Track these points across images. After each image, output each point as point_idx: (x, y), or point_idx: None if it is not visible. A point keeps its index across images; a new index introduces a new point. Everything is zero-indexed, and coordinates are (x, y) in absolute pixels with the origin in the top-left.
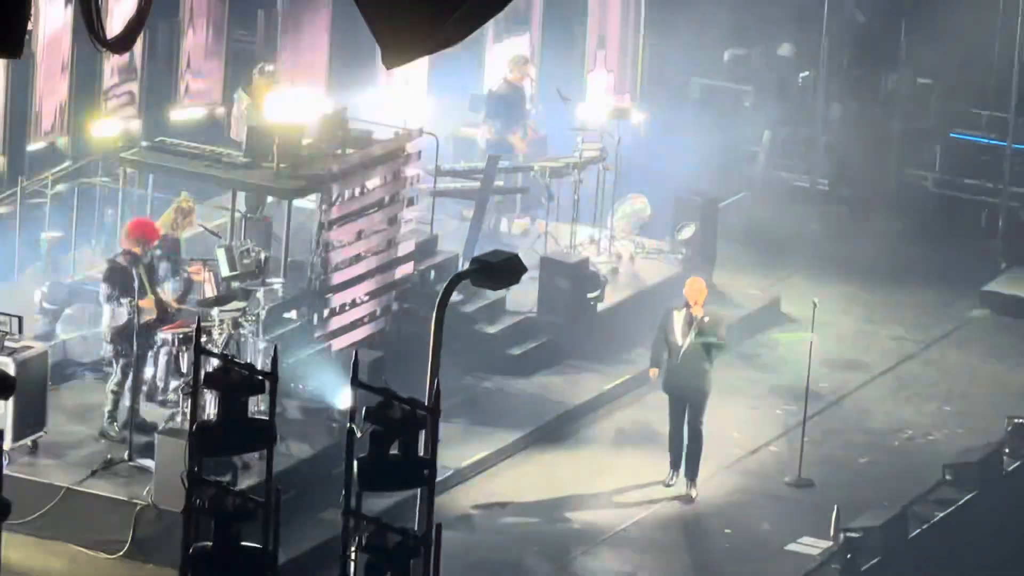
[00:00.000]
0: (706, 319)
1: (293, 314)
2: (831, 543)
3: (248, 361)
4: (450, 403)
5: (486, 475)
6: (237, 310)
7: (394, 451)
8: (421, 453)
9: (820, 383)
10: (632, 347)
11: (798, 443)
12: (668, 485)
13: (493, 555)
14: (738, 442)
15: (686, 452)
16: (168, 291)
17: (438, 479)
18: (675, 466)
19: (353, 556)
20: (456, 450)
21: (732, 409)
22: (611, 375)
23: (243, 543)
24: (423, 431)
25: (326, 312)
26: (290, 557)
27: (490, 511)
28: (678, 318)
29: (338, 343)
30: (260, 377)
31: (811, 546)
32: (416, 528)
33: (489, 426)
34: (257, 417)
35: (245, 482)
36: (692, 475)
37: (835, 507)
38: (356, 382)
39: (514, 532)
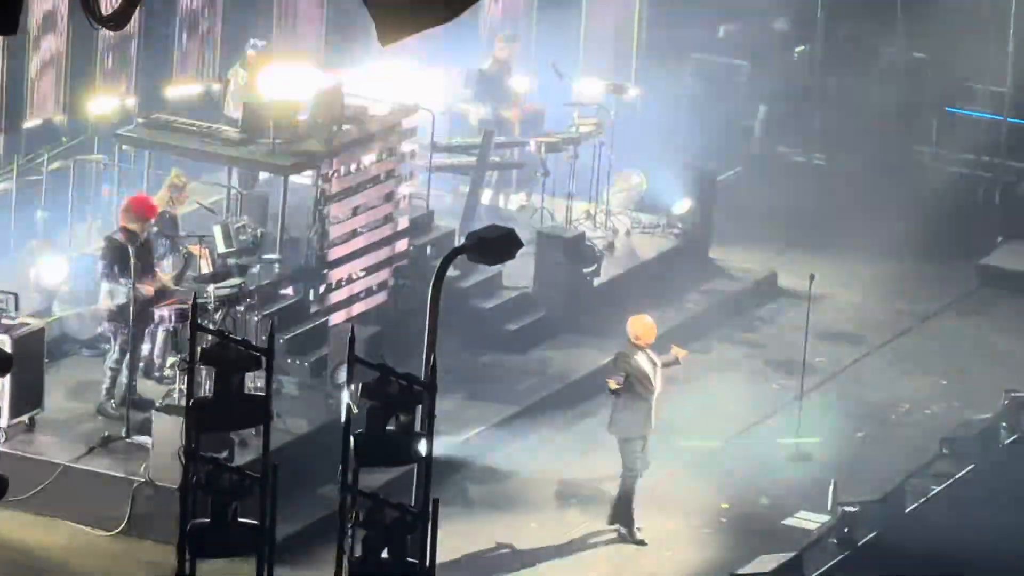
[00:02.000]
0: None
1: (289, 290)
2: (829, 517)
3: (244, 337)
4: (447, 378)
5: (483, 450)
6: (233, 286)
7: (391, 427)
8: (418, 428)
9: (817, 357)
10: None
11: (795, 417)
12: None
13: (491, 530)
14: (735, 416)
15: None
16: (166, 268)
17: (435, 454)
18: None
19: (350, 532)
20: (453, 425)
21: (729, 384)
22: (608, 349)
23: (240, 519)
24: (420, 406)
25: (322, 288)
26: (287, 533)
27: (487, 486)
28: (643, 360)
29: (335, 318)
30: (256, 353)
31: (809, 520)
32: (413, 504)
33: (486, 401)
34: (254, 393)
35: (242, 458)
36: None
37: (832, 481)
38: (353, 357)
39: (512, 507)
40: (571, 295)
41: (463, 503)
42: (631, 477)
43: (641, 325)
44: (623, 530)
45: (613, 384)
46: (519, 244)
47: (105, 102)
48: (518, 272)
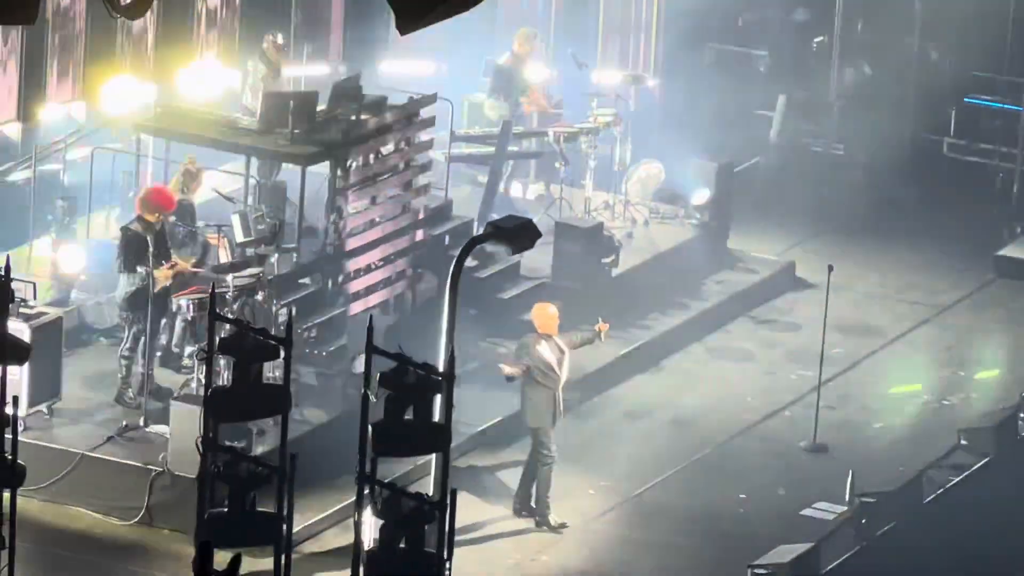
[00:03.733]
0: (606, 328)
1: (309, 280)
2: (846, 508)
3: (262, 327)
4: (465, 368)
5: (501, 440)
6: (252, 276)
7: (409, 416)
8: (436, 418)
9: (835, 348)
10: (647, 312)
11: (813, 408)
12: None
13: (507, 520)
14: (752, 407)
15: (541, 480)
16: (185, 256)
17: (453, 444)
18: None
19: (368, 522)
20: (471, 415)
21: (747, 375)
22: (626, 340)
23: (258, 509)
24: (438, 396)
25: (341, 277)
26: (305, 523)
27: (506, 476)
28: (546, 350)
29: (353, 308)
30: (275, 343)
31: (826, 511)
32: (431, 494)
33: (503, 391)
34: (272, 383)
35: (260, 448)
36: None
37: (850, 472)
38: (371, 347)
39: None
40: (589, 285)
41: (481, 493)
42: (547, 465)
43: (542, 315)
44: (539, 518)
45: (507, 370)
46: (537, 234)
47: (123, 91)
48: (536, 262)
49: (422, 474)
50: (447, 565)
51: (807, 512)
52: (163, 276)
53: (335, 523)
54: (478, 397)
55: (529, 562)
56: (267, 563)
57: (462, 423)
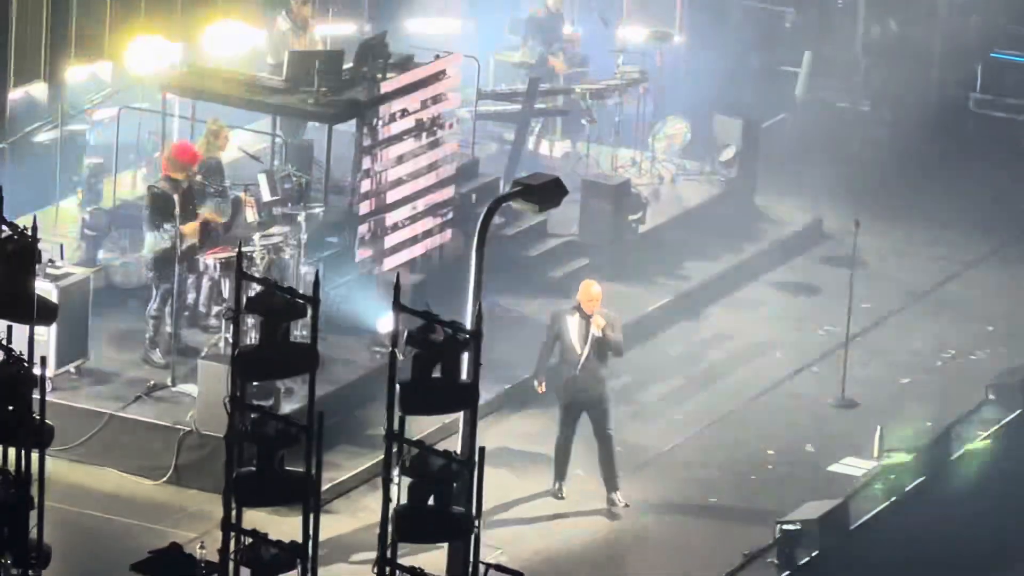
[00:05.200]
0: (605, 328)
1: (334, 238)
2: (874, 464)
3: (290, 285)
4: (492, 326)
5: (529, 396)
6: (279, 235)
7: (436, 375)
8: (464, 377)
9: (863, 303)
10: (674, 269)
11: (841, 364)
12: (559, 497)
13: (536, 482)
14: (780, 363)
15: (601, 460)
16: (215, 210)
17: (480, 403)
18: (561, 477)
19: (396, 480)
20: (499, 373)
21: (775, 331)
22: (653, 297)
23: (286, 468)
24: (466, 354)
25: (367, 236)
26: (333, 481)
27: (529, 432)
28: (573, 326)
29: (379, 267)
30: (302, 301)
31: (854, 467)
32: (459, 452)
33: (531, 348)
34: (299, 342)
35: (287, 407)
36: (613, 484)
37: (878, 428)
38: (398, 305)
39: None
40: (616, 242)
41: (506, 454)
42: (557, 439)
43: (583, 291)
44: (612, 492)
45: (540, 388)
46: (565, 191)
47: (149, 50)
48: (563, 220)
49: (449, 432)
50: (476, 524)
51: (835, 468)
52: (191, 229)
53: (363, 482)
54: (505, 355)
55: (551, 520)
56: (296, 521)
57: (489, 381)
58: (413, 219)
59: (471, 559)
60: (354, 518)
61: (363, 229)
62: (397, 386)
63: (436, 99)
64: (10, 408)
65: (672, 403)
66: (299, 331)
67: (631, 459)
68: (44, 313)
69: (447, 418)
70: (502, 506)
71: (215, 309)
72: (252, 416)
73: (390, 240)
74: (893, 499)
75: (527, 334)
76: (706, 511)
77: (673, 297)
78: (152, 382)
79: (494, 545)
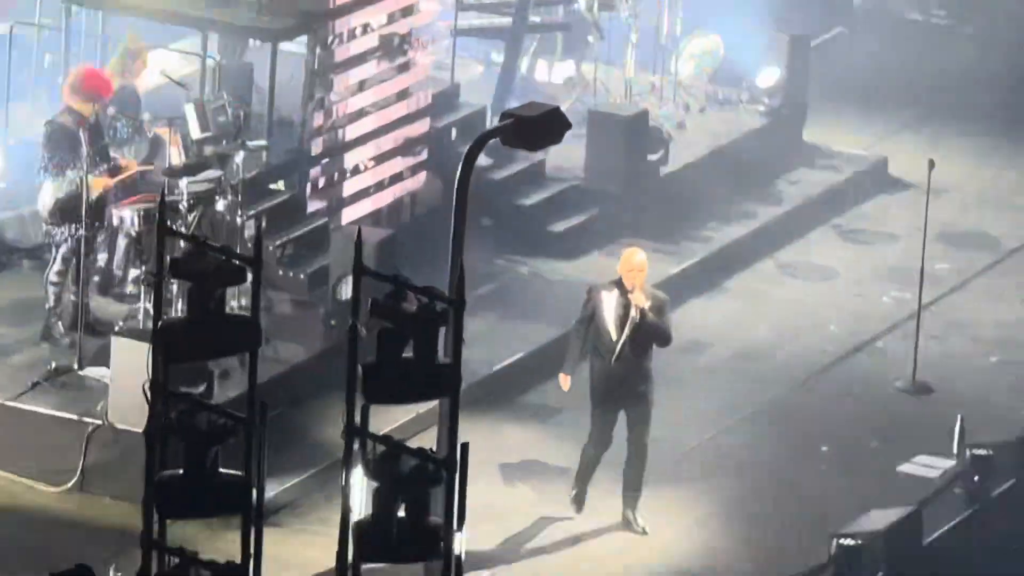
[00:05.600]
0: (649, 308)
1: (281, 184)
2: (954, 462)
3: (225, 243)
4: (478, 293)
5: (523, 381)
6: (211, 180)
7: (408, 354)
8: (442, 356)
9: (938, 263)
10: (705, 221)
11: (912, 339)
12: (576, 508)
13: (527, 478)
14: (836, 338)
15: (627, 471)
16: (131, 152)
17: (463, 387)
18: (581, 498)
19: (358, 485)
20: (485, 351)
21: (828, 297)
22: (679, 256)
23: (221, 470)
24: (444, 329)
25: (322, 181)
26: (280, 487)
27: (526, 424)
28: (610, 304)
29: (337, 220)
30: (240, 263)
31: (929, 467)
32: (436, 449)
33: (525, 321)
34: (237, 313)
35: (223, 394)
36: (634, 501)
37: (959, 417)
38: (360, 268)
39: (556, 449)
40: (632, 188)
41: (496, 450)
42: (585, 452)
43: (625, 261)
44: (631, 510)
45: (565, 384)
46: (566, 125)
47: None
48: (565, 161)
49: (424, 426)
50: (457, 537)
51: (905, 468)
52: (100, 183)
53: (317, 488)
54: (492, 328)
55: (552, 532)
56: (233, 537)
57: (473, 361)
58: (378, 160)
59: None
60: (305, 533)
61: (316, 173)
62: (359, 368)
63: (406, 11)
64: None
65: (700, 390)
66: (237, 301)
67: (652, 458)
68: None
69: (421, 407)
70: (487, 518)
71: (132, 273)
72: (178, 406)
73: (350, 187)
74: (976, 507)
75: (519, 303)
76: (743, 521)
77: (703, 255)
78: (53, 364)
79: (482, 565)
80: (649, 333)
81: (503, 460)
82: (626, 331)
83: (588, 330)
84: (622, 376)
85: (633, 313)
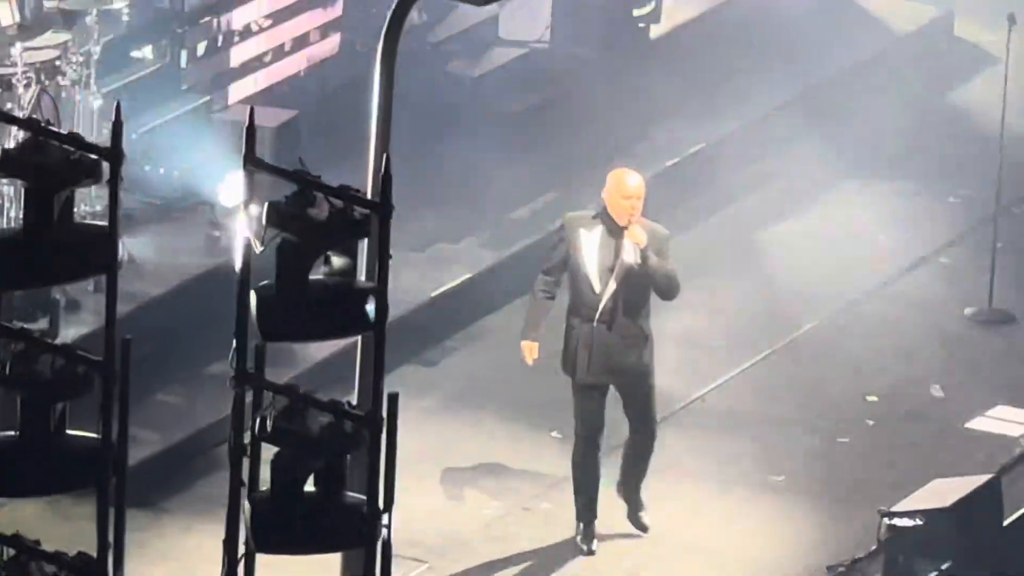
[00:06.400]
0: (648, 249)
1: (147, 51)
2: None
3: (74, 129)
4: (408, 191)
5: (469, 309)
6: (54, 47)
7: (317, 275)
8: (362, 278)
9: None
10: (713, 94)
11: (986, 253)
12: (587, 551)
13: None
14: (884, 253)
15: (628, 458)
16: None
17: (390, 319)
18: (589, 514)
19: (252, 446)
20: (420, 271)
21: (875, 199)
22: (675, 149)
23: (69, 432)
24: (365, 239)
25: (200, 47)
26: (148, 452)
27: (475, 360)
28: (591, 243)
29: (222, 98)
30: (93, 156)
31: (1010, 422)
32: (356, 401)
33: (472, 230)
34: (90, 223)
35: (71, 330)
36: (637, 499)
37: None
38: (253, 160)
39: (507, 404)
40: (612, 54)
41: (436, 400)
42: (574, 455)
43: (613, 185)
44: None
45: (528, 356)
46: None
47: None
48: (524, 18)
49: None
50: (383, 519)
51: (977, 423)
52: None
53: (197, 453)
54: (430, 237)
55: (521, 511)
56: (87, 510)
57: (401, 291)
58: (276, 20)
59: None
60: (183, 512)
61: (194, 36)
62: (252, 294)
63: None
64: None
65: (709, 322)
66: (89, 206)
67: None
68: None
69: (336, 346)
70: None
71: None
72: (12, 347)
73: (238, 54)
74: None
75: (463, 205)
76: (768, 497)
77: (709, 144)
78: None
79: (417, 558)
80: (648, 282)
81: (445, 407)
82: (615, 280)
83: (559, 279)
84: (609, 339)
85: (627, 257)
